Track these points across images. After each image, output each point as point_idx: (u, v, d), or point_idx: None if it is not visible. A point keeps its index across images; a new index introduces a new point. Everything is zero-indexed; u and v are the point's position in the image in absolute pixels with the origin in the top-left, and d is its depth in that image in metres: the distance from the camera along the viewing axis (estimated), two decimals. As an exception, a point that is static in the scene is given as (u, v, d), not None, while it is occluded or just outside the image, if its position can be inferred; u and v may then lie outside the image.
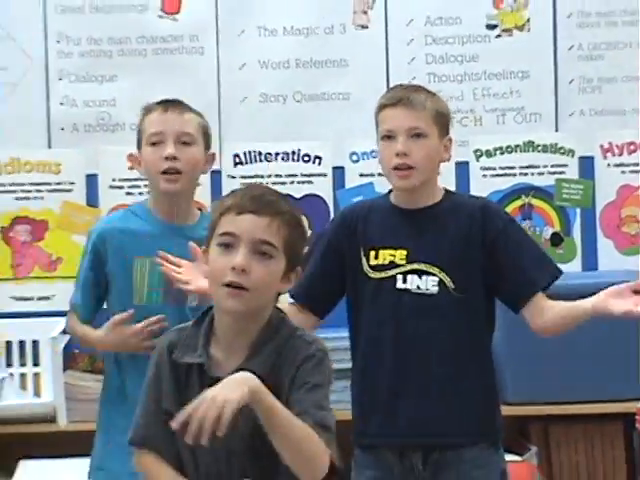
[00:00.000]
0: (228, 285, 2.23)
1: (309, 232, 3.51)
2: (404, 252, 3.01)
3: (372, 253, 3.06)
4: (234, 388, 2.08)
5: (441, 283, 3.01)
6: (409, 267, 3.01)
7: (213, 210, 2.52)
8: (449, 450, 3.00)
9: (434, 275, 3.00)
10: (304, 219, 2.57)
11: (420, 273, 3.01)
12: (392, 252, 3.05)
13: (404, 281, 3.01)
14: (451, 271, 3.00)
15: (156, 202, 3.19)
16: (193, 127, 3.19)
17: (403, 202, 3.12)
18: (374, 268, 3.06)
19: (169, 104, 3.27)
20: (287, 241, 2.33)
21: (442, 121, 3.12)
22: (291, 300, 3.03)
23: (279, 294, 2.40)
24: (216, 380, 2.18)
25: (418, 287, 3.01)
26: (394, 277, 3.02)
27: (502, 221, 3.12)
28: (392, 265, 3.03)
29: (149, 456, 2.38)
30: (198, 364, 2.33)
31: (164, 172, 3.08)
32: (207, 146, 3.33)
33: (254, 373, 2.18)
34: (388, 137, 3.05)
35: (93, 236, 3.28)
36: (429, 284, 3.01)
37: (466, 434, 3.01)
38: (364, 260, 3.08)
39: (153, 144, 3.16)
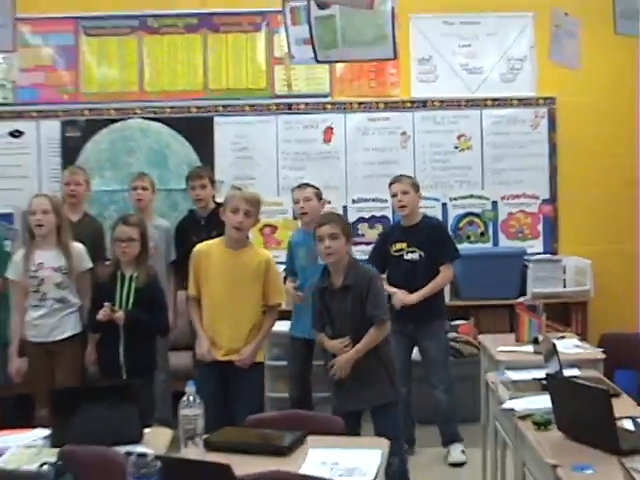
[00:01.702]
0: None
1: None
2: (405, 244, 6.20)
3: (394, 245, 6.25)
4: None
5: (420, 256, 6.16)
6: (408, 249, 6.18)
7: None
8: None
9: (416, 252, 6.16)
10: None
11: (411, 251, 6.17)
12: (401, 244, 6.22)
13: (406, 255, 6.18)
14: (424, 250, 6.13)
15: None
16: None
17: (404, 222, 6.28)
18: (394, 251, 6.24)
19: None
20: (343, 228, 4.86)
21: (416, 186, 6.28)
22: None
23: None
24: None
25: (411, 257, 6.18)
26: (402, 254, 6.20)
27: (441, 230, 6.46)
28: (401, 249, 6.19)
29: None
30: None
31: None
32: None
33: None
34: (394, 195, 6.29)
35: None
36: (415, 256, 6.18)
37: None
38: (390, 247, 6.27)
39: None
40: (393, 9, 4.92)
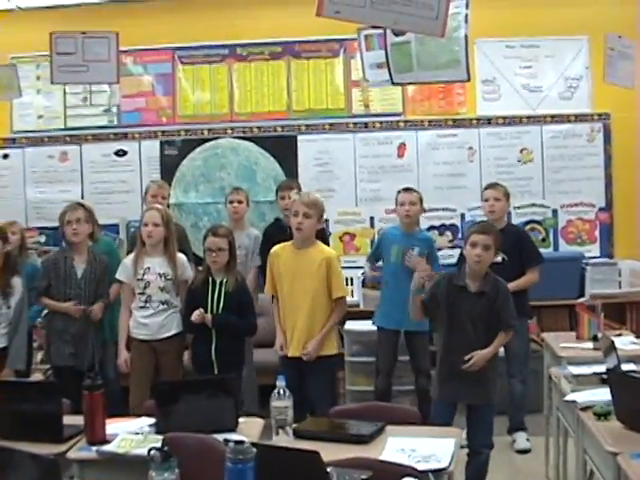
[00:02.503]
0: None
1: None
2: None
3: None
4: None
5: (503, 259, 5.51)
6: None
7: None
8: None
9: (500, 255, 5.18)
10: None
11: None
12: None
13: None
14: (508, 254, 5.64)
15: None
16: None
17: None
18: None
19: None
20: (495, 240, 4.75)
21: (507, 195, 6.22)
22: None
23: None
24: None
25: (495, 260, 5.13)
26: None
27: (526, 236, 6.45)
28: None
29: None
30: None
31: None
32: None
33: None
34: (486, 200, 6.21)
35: None
36: (499, 259, 5.16)
37: None
38: None
39: None
40: (466, 36, 4.92)
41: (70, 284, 5.90)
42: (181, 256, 5.87)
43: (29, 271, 6.24)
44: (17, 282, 5.73)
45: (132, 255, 5.84)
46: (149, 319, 5.68)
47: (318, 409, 4.97)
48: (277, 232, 6.60)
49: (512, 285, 5.85)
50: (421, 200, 6.34)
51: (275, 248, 5.48)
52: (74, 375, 5.38)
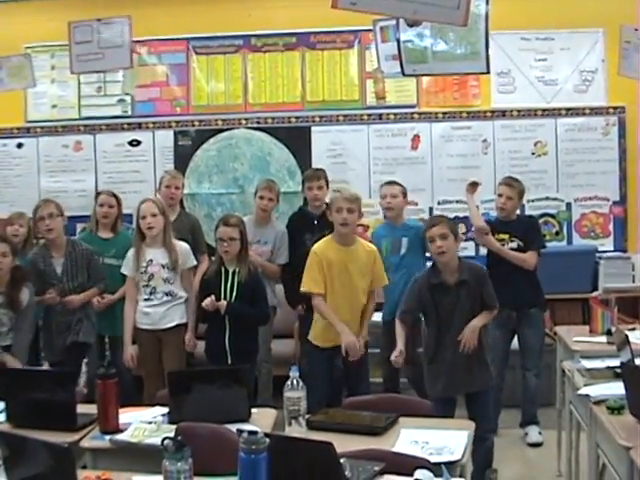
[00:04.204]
0: None
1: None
2: (507, 235, 6.13)
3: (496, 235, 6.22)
4: None
5: (518, 245, 6.13)
6: (509, 240, 6.16)
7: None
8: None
9: (516, 242, 6.15)
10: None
11: (512, 241, 6.16)
12: (503, 235, 6.16)
13: (507, 244, 6.17)
14: (523, 241, 6.13)
15: None
16: None
17: (503, 217, 6.24)
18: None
19: None
20: (451, 227, 4.90)
21: (521, 194, 6.25)
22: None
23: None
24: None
25: (511, 247, 6.17)
26: (504, 243, 6.19)
27: (535, 222, 6.50)
28: (503, 239, 6.16)
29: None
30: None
31: None
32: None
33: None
34: (500, 195, 6.26)
35: None
36: (514, 245, 6.18)
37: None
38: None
39: None
40: (487, 29, 4.88)
41: (51, 281, 5.88)
42: (182, 244, 5.89)
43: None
44: (25, 294, 5.61)
45: (132, 249, 5.86)
46: (152, 309, 5.71)
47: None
48: (302, 221, 6.60)
49: (511, 255, 6.14)
50: (404, 193, 6.37)
51: (318, 246, 5.41)
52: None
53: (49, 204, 5.94)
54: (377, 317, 6.11)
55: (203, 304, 5.42)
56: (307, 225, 6.46)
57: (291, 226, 6.69)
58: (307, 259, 5.41)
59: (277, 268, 6.58)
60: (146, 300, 5.74)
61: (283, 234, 6.63)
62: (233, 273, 5.54)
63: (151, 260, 5.72)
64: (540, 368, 6.28)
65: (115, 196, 6.59)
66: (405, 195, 6.37)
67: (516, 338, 6.32)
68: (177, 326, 5.75)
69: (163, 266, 5.72)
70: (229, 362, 5.39)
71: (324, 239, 5.47)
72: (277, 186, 6.77)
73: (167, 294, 5.73)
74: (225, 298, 5.48)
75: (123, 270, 5.86)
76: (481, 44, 4.94)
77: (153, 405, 4.22)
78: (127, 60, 6.27)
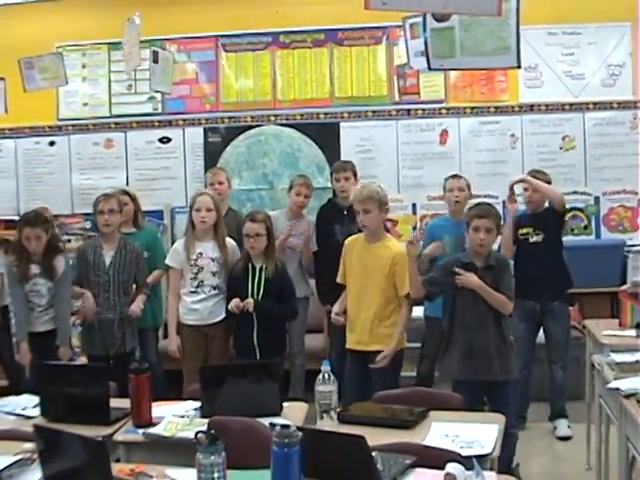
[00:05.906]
0: None
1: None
2: (531, 228, 6.11)
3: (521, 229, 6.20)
4: None
5: (543, 238, 6.14)
6: (534, 233, 6.15)
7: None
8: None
9: (540, 235, 6.09)
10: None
11: (537, 234, 6.13)
12: (527, 228, 6.14)
13: (531, 237, 6.16)
14: (546, 233, 6.13)
15: None
16: None
17: (531, 210, 6.33)
18: (520, 234, 6.18)
19: None
20: (497, 223, 4.92)
21: (468, 186, 6.34)
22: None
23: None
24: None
25: (535, 240, 6.15)
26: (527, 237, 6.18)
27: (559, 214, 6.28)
28: (527, 233, 6.16)
29: None
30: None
31: None
32: None
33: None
34: (525, 189, 6.31)
35: None
36: (539, 238, 6.13)
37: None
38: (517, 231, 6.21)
39: None
40: (518, 22, 4.84)
41: (98, 272, 5.86)
42: (230, 240, 5.88)
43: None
44: (60, 262, 5.78)
45: (182, 241, 5.85)
46: (200, 304, 5.70)
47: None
48: (332, 212, 6.60)
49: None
50: (469, 186, 6.38)
51: (350, 239, 5.38)
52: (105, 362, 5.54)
53: (111, 200, 5.93)
54: (419, 312, 6.11)
55: (229, 307, 5.47)
56: (336, 216, 6.46)
57: (321, 217, 6.72)
58: (336, 250, 5.48)
59: (311, 255, 6.69)
60: (192, 293, 5.74)
61: (311, 223, 6.71)
62: (260, 269, 5.56)
63: (201, 253, 5.73)
64: (566, 361, 6.23)
65: (127, 193, 6.60)
66: (469, 188, 6.39)
67: (542, 331, 6.29)
68: (222, 320, 5.74)
69: (213, 260, 5.73)
70: (257, 358, 5.42)
71: (360, 234, 5.37)
72: (312, 184, 6.82)
73: (214, 287, 5.72)
74: (252, 294, 5.50)
75: (168, 261, 5.87)
76: (512, 39, 4.89)
77: (184, 399, 4.23)
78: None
